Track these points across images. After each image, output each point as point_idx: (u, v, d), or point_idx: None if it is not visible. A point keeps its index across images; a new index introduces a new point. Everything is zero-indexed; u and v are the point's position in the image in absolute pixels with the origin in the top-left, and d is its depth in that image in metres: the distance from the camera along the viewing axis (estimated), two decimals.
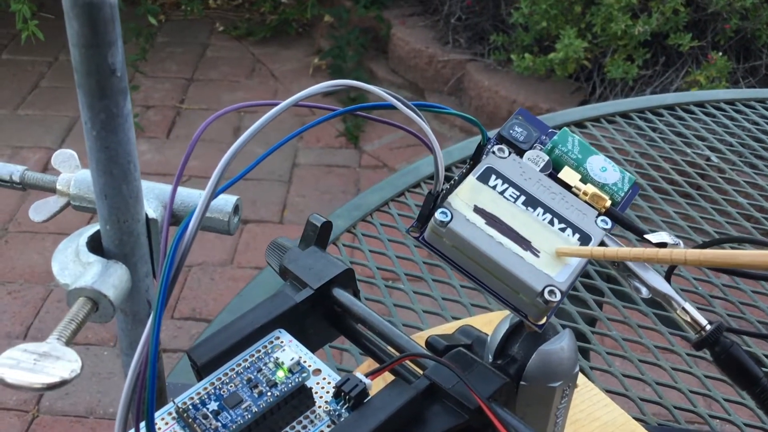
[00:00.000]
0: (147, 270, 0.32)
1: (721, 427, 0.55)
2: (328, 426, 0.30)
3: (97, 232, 0.31)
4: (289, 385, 0.30)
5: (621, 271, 0.33)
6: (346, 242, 0.68)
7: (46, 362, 0.26)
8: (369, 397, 0.30)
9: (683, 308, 0.32)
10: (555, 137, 0.34)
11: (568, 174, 0.34)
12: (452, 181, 0.33)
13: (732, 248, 0.68)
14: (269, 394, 0.30)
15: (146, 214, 0.31)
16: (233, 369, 0.31)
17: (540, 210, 0.32)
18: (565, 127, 0.35)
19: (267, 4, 2.62)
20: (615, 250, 0.29)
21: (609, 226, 0.32)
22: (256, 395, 0.30)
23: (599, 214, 0.33)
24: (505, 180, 0.32)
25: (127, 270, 0.30)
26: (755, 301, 0.65)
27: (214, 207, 0.33)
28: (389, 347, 0.35)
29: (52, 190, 0.34)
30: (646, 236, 0.33)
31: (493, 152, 0.33)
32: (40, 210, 0.33)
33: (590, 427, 0.44)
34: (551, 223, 0.32)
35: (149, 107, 2.20)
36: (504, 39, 2.16)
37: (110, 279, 0.29)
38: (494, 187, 0.32)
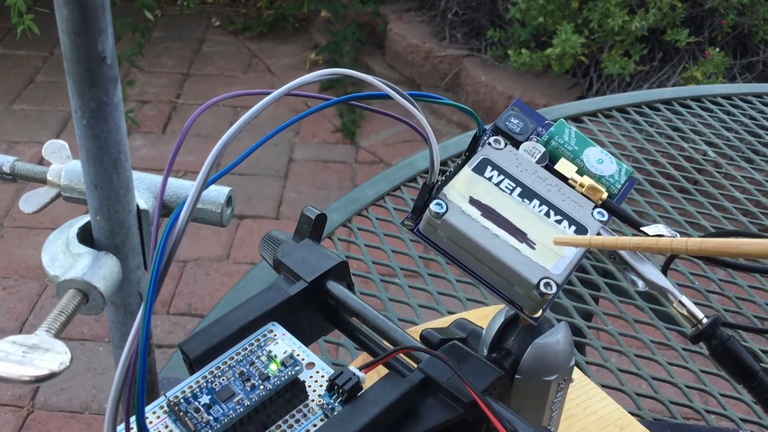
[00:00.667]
0: (138, 261, 0.32)
1: (717, 422, 0.55)
2: (322, 420, 0.30)
3: (88, 223, 0.31)
4: (282, 379, 0.30)
5: (617, 263, 0.33)
6: (341, 236, 0.67)
7: (35, 354, 0.26)
8: (363, 391, 0.30)
9: (680, 301, 0.31)
10: (551, 129, 0.34)
11: (564, 166, 0.33)
12: (448, 173, 0.33)
13: None
14: (262, 387, 0.29)
15: (137, 205, 0.31)
16: (226, 362, 0.31)
17: (536, 202, 0.32)
18: (562, 119, 0.35)
19: None
20: (614, 239, 0.28)
21: (605, 218, 0.32)
22: (249, 388, 0.29)
23: (596, 206, 0.32)
24: (501, 171, 0.32)
25: (118, 261, 0.30)
26: (752, 296, 0.65)
27: (206, 198, 0.33)
28: (384, 341, 0.34)
29: (43, 181, 0.33)
30: (642, 228, 0.32)
31: (489, 143, 0.33)
32: (31, 201, 0.33)
33: (586, 421, 0.44)
34: (547, 215, 0.32)
35: (145, 102, 2.19)
36: (501, 34, 2.16)
37: (100, 270, 0.29)
38: (490, 179, 0.32)
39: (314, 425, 0.30)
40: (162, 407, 0.30)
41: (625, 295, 0.64)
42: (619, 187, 0.33)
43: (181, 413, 0.29)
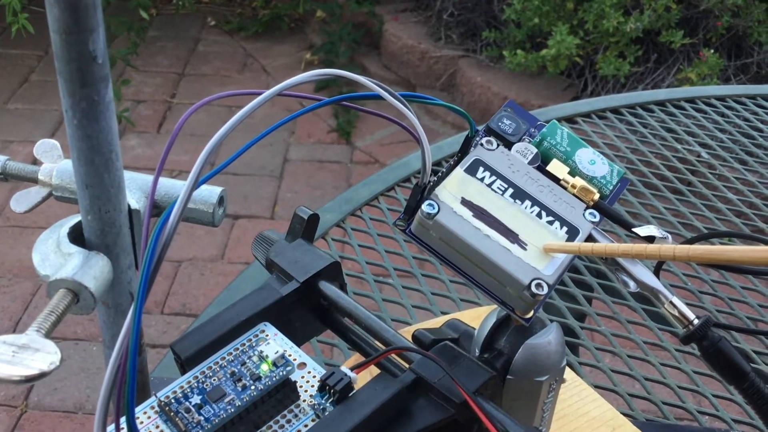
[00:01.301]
0: (129, 261, 0.31)
1: (710, 423, 0.55)
2: (313, 420, 0.30)
3: (79, 223, 0.30)
4: (273, 379, 0.30)
5: (609, 264, 0.33)
6: (335, 237, 0.67)
7: (24, 354, 0.26)
8: (354, 391, 0.30)
9: (671, 302, 0.31)
10: (544, 129, 0.34)
11: (556, 167, 0.33)
12: (440, 174, 0.33)
13: (721, 243, 0.68)
14: (253, 387, 0.29)
15: (129, 205, 0.30)
16: (217, 362, 0.31)
17: (528, 203, 0.32)
18: (554, 120, 0.35)
19: None
20: (603, 245, 0.29)
21: (597, 219, 0.32)
22: (240, 389, 0.29)
23: (587, 207, 0.32)
24: (493, 172, 0.32)
25: (109, 261, 0.30)
26: (744, 297, 0.65)
27: (198, 198, 0.33)
28: (376, 341, 0.34)
29: (34, 181, 0.33)
30: (634, 229, 0.32)
31: (482, 144, 0.33)
32: (22, 200, 0.33)
33: (578, 422, 0.44)
34: (539, 215, 0.32)
35: (140, 102, 2.19)
36: (496, 35, 2.16)
37: (91, 270, 0.28)
38: (482, 180, 0.32)
39: (305, 426, 0.29)
40: (153, 407, 0.30)
41: (618, 296, 0.64)
42: (611, 188, 0.33)
43: (172, 413, 0.29)
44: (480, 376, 0.31)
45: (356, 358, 0.48)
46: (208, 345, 0.32)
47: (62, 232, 0.30)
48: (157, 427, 0.29)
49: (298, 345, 0.32)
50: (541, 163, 0.33)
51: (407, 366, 0.31)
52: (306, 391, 0.31)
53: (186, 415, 0.28)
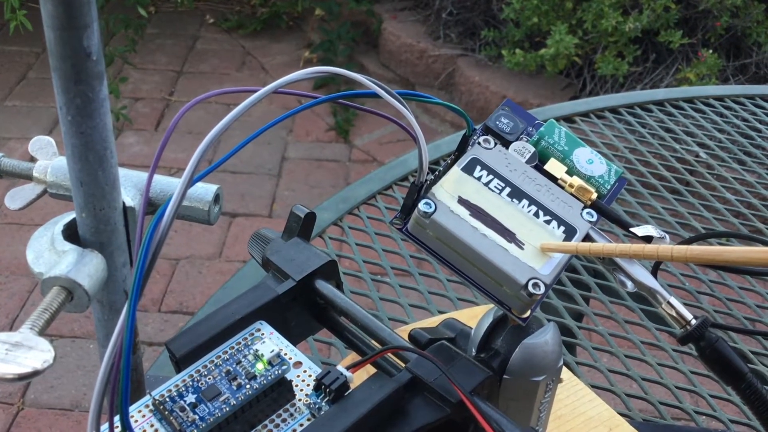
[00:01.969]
0: (124, 259, 0.31)
1: (707, 423, 0.55)
2: (308, 419, 0.29)
3: (73, 220, 0.30)
4: (269, 378, 0.29)
5: (606, 264, 0.33)
6: (332, 235, 0.67)
7: (18, 352, 0.25)
8: (350, 390, 0.29)
9: (668, 302, 0.31)
10: (541, 128, 0.34)
11: (554, 166, 0.33)
12: (437, 172, 0.32)
13: (720, 244, 0.68)
14: (248, 386, 0.29)
15: (123, 202, 0.30)
16: (212, 361, 0.31)
17: (525, 202, 0.32)
18: (552, 119, 0.35)
19: None
20: (601, 245, 0.28)
21: (594, 218, 0.32)
22: (235, 388, 0.29)
23: (585, 207, 0.32)
24: (491, 171, 0.32)
25: (103, 259, 0.30)
26: (742, 298, 0.65)
27: (194, 196, 0.33)
28: (372, 340, 0.34)
29: (29, 178, 0.33)
30: (631, 229, 0.32)
31: (479, 143, 0.33)
32: (16, 197, 0.33)
33: (575, 422, 0.44)
34: (536, 215, 0.31)
35: (138, 99, 2.18)
36: (495, 34, 2.16)
37: (85, 268, 0.28)
38: (479, 179, 0.32)
39: (301, 425, 0.29)
40: (147, 406, 0.29)
41: (615, 296, 0.64)
42: (608, 187, 0.33)
43: (167, 412, 0.29)
44: (476, 375, 0.31)
45: (353, 357, 0.48)
46: (204, 343, 0.32)
47: (56, 230, 0.30)
48: (152, 425, 0.29)
49: (294, 344, 0.32)
50: (538, 162, 0.33)
51: (403, 365, 0.31)
52: (301, 390, 0.30)
53: (181, 413, 0.28)
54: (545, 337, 0.33)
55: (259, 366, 0.30)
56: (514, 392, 0.33)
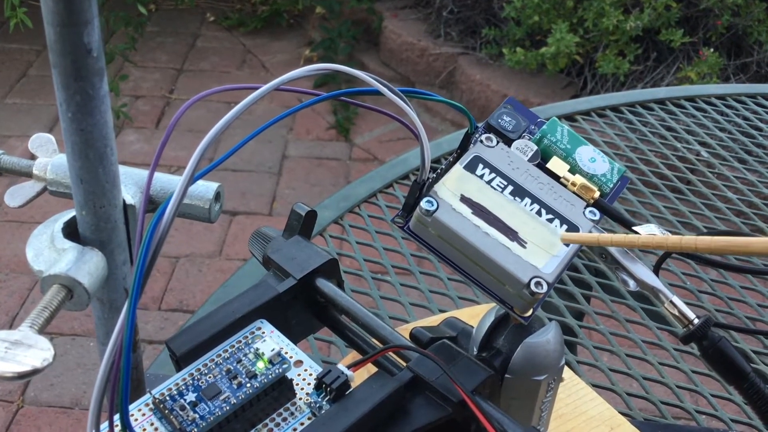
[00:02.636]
0: (125, 257, 0.31)
1: (708, 422, 0.55)
2: (309, 418, 0.29)
3: (73, 218, 0.30)
4: (269, 377, 0.29)
5: (609, 263, 0.33)
6: (333, 234, 0.67)
7: (17, 350, 0.25)
8: (351, 389, 0.29)
9: (671, 301, 0.31)
10: (544, 127, 0.34)
11: (556, 164, 0.33)
12: (439, 170, 0.32)
13: None
14: (248, 385, 0.29)
15: (124, 200, 0.30)
16: (213, 360, 0.31)
17: (528, 200, 0.31)
18: (554, 117, 0.35)
19: None
20: (622, 236, 0.28)
21: (597, 217, 0.32)
22: (235, 386, 0.29)
23: (587, 205, 0.32)
24: (493, 169, 0.32)
25: (104, 257, 0.29)
26: (744, 297, 0.65)
27: (194, 194, 0.33)
28: (373, 339, 0.34)
29: (29, 175, 0.33)
30: (634, 228, 0.32)
31: (481, 141, 0.33)
32: (16, 195, 0.32)
33: (576, 421, 0.44)
34: (539, 213, 0.31)
35: (138, 97, 2.18)
36: (496, 33, 2.15)
37: (85, 266, 0.28)
38: (481, 177, 0.32)
39: (301, 424, 0.29)
40: (147, 404, 0.29)
41: (616, 295, 0.63)
42: (611, 186, 0.33)
43: (167, 411, 0.28)
44: (478, 374, 0.30)
45: (354, 355, 0.48)
46: (204, 342, 0.32)
47: (56, 227, 0.30)
48: (152, 424, 0.29)
49: (295, 342, 0.32)
50: (541, 160, 0.33)
51: (405, 364, 0.31)
52: (302, 389, 0.30)
53: (181, 412, 0.28)
54: (547, 336, 0.32)
55: (260, 365, 0.30)
56: (515, 391, 0.33)
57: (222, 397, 0.29)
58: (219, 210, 0.34)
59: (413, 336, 0.34)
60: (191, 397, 0.29)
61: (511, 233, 0.30)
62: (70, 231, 0.30)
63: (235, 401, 0.29)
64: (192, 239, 1.67)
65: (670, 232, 0.33)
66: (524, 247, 0.30)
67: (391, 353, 0.32)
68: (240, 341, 0.31)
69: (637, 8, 1.90)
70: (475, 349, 0.34)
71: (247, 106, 0.25)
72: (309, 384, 0.30)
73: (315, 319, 0.36)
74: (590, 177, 0.33)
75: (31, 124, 2.03)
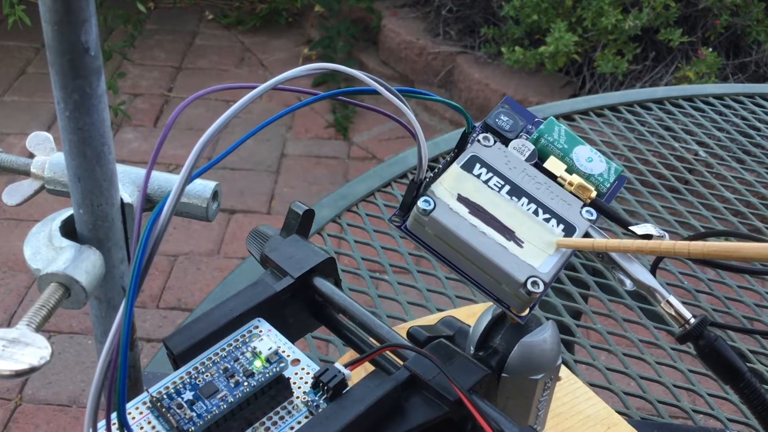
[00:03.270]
0: (122, 256, 0.31)
1: (705, 421, 0.55)
2: (306, 417, 0.29)
3: (71, 217, 0.30)
4: (267, 375, 0.29)
5: (606, 262, 0.33)
6: (331, 232, 0.67)
7: (15, 349, 0.25)
8: (348, 388, 0.29)
9: (667, 301, 0.31)
10: (541, 126, 0.34)
11: (553, 164, 0.33)
12: (436, 170, 0.32)
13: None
14: (246, 384, 0.29)
15: (121, 199, 0.30)
16: (210, 358, 0.31)
17: (524, 200, 0.32)
18: (552, 117, 0.35)
19: None
20: (617, 241, 0.28)
21: (594, 217, 0.32)
22: (233, 385, 0.29)
23: (584, 205, 0.32)
24: (490, 169, 0.32)
25: (101, 255, 0.29)
26: (741, 296, 0.65)
27: (192, 192, 0.33)
28: (370, 338, 0.34)
29: (27, 173, 0.33)
30: (631, 228, 0.32)
31: (478, 141, 0.33)
32: (14, 193, 0.32)
33: (573, 420, 0.44)
34: (536, 213, 0.31)
35: (137, 95, 2.18)
36: (495, 32, 2.15)
37: (83, 264, 0.28)
38: (478, 176, 0.32)
39: (298, 422, 0.29)
40: (145, 403, 0.29)
41: (614, 294, 0.63)
42: (608, 186, 0.33)
43: (164, 409, 0.28)
44: (475, 374, 0.30)
45: (351, 354, 0.48)
46: (201, 340, 0.32)
47: (54, 226, 0.30)
48: (149, 422, 0.29)
49: (293, 341, 0.32)
50: (538, 160, 0.33)
51: (402, 363, 0.31)
52: (299, 387, 0.30)
53: (178, 411, 0.28)
54: (544, 336, 0.32)
55: (257, 363, 0.30)
56: (512, 390, 0.33)
57: (219, 396, 0.29)
58: (217, 209, 0.34)
59: (410, 335, 0.34)
60: (188, 395, 0.29)
61: (507, 233, 0.31)
62: (68, 229, 0.30)
63: (232, 400, 0.29)
64: (190, 237, 1.67)
65: (668, 232, 0.33)
66: (521, 246, 0.30)
67: (388, 352, 0.33)
68: (237, 340, 0.31)
69: (636, 7, 1.90)
70: (472, 348, 0.34)
71: (245, 105, 0.25)
72: (306, 383, 0.30)
73: (312, 317, 0.36)
74: (587, 177, 0.33)
75: (29, 122, 2.03)
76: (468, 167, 0.32)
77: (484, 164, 0.32)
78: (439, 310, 0.58)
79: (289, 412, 0.30)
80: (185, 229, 1.68)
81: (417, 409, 0.30)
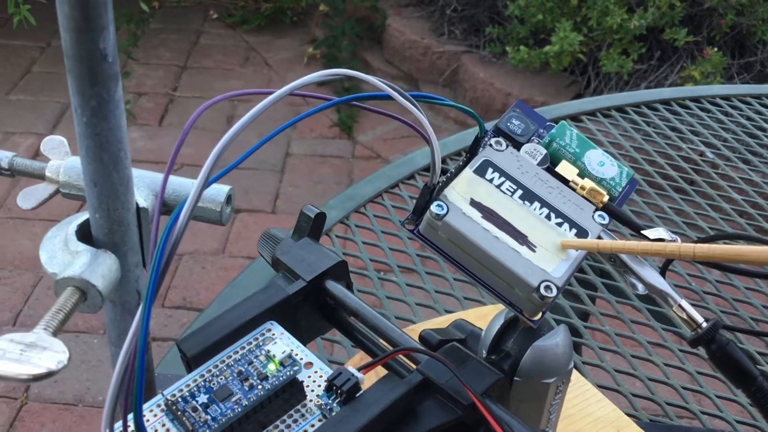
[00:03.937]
0: (137, 260, 0.31)
1: (712, 423, 0.55)
2: (320, 420, 0.30)
3: (87, 221, 0.30)
4: (280, 379, 0.30)
5: (617, 266, 0.33)
6: (339, 233, 0.67)
7: (32, 353, 0.26)
8: (361, 392, 0.30)
9: (680, 305, 0.31)
10: (553, 130, 0.34)
11: (565, 168, 0.33)
12: (448, 174, 0.32)
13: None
14: (260, 387, 0.29)
15: (137, 203, 0.30)
16: (223, 361, 0.31)
17: (537, 204, 0.32)
18: (563, 121, 0.35)
19: None
20: (622, 243, 0.28)
21: (606, 221, 0.32)
22: (247, 388, 0.29)
23: (596, 209, 0.32)
24: (502, 173, 0.32)
25: (117, 259, 0.30)
26: (748, 298, 0.65)
27: (206, 196, 0.33)
28: (382, 341, 0.34)
29: (41, 177, 0.33)
30: (643, 231, 0.32)
31: (491, 145, 0.33)
32: (29, 197, 0.33)
33: (583, 422, 0.44)
34: (548, 217, 0.31)
35: (142, 94, 2.18)
36: (499, 31, 2.15)
37: (99, 268, 0.28)
38: (491, 181, 0.32)
39: (312, 426, 0.29)
40: (159, 405, 0.29)
41: (621, 296, 0.64)
42: (620, 190, 0.33)
43: (179, 412, 0.29)
44: (487, 377, 0.31)
45: (361, 356, 0.48)
46: (215, 343, 0.32)
47: (70, 230, 0.30)
48: (164, 425, 0.29)
49: (304, 344, 0.32)
50: (550, 164, 0.33)
51: (414, 367, 0.31)
52: (313, 390, 0.31)
53: (193, 414, 0.28)
54: (556, 340, 0.33)
55: (271, 367, 0.30)
56: (524, 394, 0.33)
57: (234, 399, 0.29)
58: (230, 213, 0.34)
59: (422, 338, 0.34)
60: (203, 398, 0.29)
61: (520, 237, 0.31)
62: (84, 234, 0.30)
63: (246, 403, 0.29)
64: (196, 237, 1.67)
65: (675, 233, 0.33)
66: (534, 251, 0.30)
67: (400, 355, 0.33)
68: (251, 343, 0.32)
69: (641, 7, 1.90)
70: (484, 352, 0.34)
71: (263, 110, 0.25)
72: (319, 386, 0.31)
73: (324, 320, 0.37)
74: (599, 181, 0.33)
75: (35, 120, 2.04)
76: (480, 172, 0.32)
77: (496, 168, 0.32)
78: (447, 312, 0.59)
79: (303, 416, 0.30)
80: (190, 229, 1.67)
81: (430, 412, 0.30)
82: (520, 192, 0.32)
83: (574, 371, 0.47)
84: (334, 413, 0.29)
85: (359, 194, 0.71)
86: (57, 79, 2.22)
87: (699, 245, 0.24)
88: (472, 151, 0.33)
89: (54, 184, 0.33)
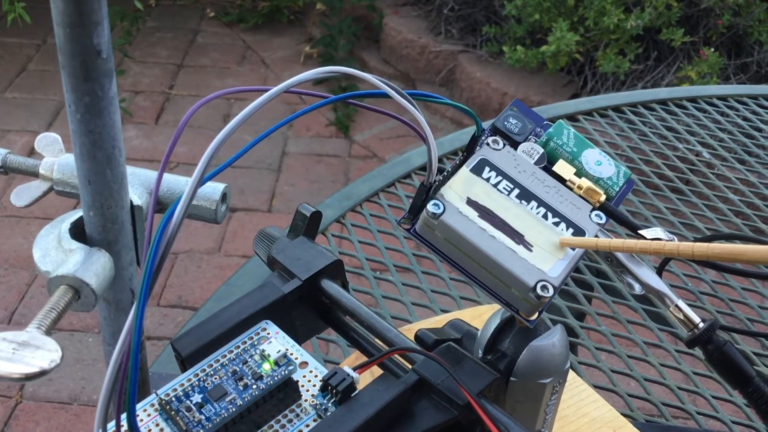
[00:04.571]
0: (131, 258, 0.31)
1: (708, 423, 0.55)
2: (315, 420, 0.29)
3: (80, 219, 0.30)
4: (275, 378, 0.29)
5: (614, 266, 0.33)
6: (334, 232, 0.67)
7: (25, 352, 0.25)
8: (356, 392, 0.29)
9: (676, 305, 0.31)
10: (550, 129, 0.34)
11: (562, 167, 0.33)
12: (445, 173, 0.32)
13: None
14: (254, 386, 0.29)
15: (131, 201, 0.30)
16: (218, 360, 0.31)
17: (534, 203, 0.31)
18: (561, 120, 0.35)
19: None
20: (620, 241, 0.28)
21: (603, 221, 0.32)
22: (241, 388, 0.29)
23: (593, 209, 0.32)
24: (499, 172, 0.32)
25: (111, 258, 0.29)
26: (744, 298, 0.65)
27: (201, 195, 0.33)
28: (377, 340, 0.34)
29: (35, 175, 0.33)
30: (640, 231, 0.32)
31: (488, 144, 0.33)
32: (22, 195, 0.32)
33: (578, 422, 0.44)
34: (545, 216, 0.31)
35: (138, 92, 2.18)
36: (496, 31, 2.15)
37: (93, 267, 0.28)
38: (488, 180, 0.32)
39: (307, 426, 0.29)
40: (153, 405, 0.29)
41: (618, 296, 0.63)
42: (617, 189, 0.33)
43: (173, 412, 0.28)
44: (483, 377, 0.30)
45: (357, 356, 0.48)
46: (209, 342, 0.31)
47: (63, 228, 0.30)
48: (157, 425, 0.29)
49: (299, 343, 0.32)
50: (547, 163, 0.33)
51: (410, 366, 0.31)
52: (308, 390, 0.30)
53: (187, 414, 0.28)
54: (552, 340, 0.32)
55: (266, 366, 0.30)
56: (520, 394, 0.33)
57: (228, 399, 0.29)
58: (225, 211, 0.34)
59: (418, 338, 0.34)
60: (197, 398, 0.29)
61: (517, 236, 0.30)
62: (77, 231, 0.30)
63: (241, 403, 0.29)
64: (191, 236, 1.67)
65: (671, 233, 0.33)
66: (530, 250, 0.30)
67: (396, 355, 0.32)
68: (245, 342, 0.31)
69: (638, 7, 1.90)
70: (480, 352, 0.34)
71: (257, 108, 0.25)
72: (314, 386, 0.30)
73: (319, 320, 0.36)
74: (596, 180, 0.33)
75: (30, 118, 2.03)
76: (477, 170, 0.32)
77: (493, 167, 0.32)
78: (443, 311, 0.58)
79: (298, 416, 0.30)
80: (186, 227, 1.68)
81: (426, 412, 0.29)
82: (517, 191, 0.32)
83: (570, 371, 0.47)
84: (329, 413, 0.29)
85: (355, 193, 0.71)
86: (52, 77, 2.21)
87: (697, 244, 0.24)
88: (469, 149, 0.33)
89: (48, 181, 0.33)
